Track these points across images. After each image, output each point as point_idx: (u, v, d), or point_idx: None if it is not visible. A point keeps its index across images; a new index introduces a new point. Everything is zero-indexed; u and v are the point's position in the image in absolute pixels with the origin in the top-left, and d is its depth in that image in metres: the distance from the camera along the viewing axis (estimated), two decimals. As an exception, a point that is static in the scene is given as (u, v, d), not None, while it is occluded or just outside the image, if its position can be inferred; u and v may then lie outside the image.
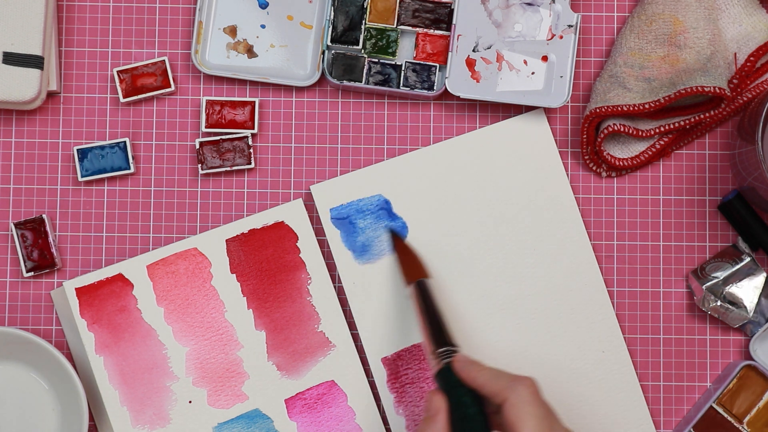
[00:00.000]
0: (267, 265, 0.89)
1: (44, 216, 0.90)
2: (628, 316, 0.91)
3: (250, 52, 0.91)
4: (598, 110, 0.89)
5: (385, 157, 0.92)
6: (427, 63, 0.91)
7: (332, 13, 0.90)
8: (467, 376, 0.75)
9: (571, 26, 0.90)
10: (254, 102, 0.91)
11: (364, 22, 0.90)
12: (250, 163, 0.90)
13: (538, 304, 0.90)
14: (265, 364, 0.88)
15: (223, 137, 0.90)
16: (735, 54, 0.91)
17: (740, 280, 0.89)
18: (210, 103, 0.90)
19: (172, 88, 0.91)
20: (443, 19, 0.91)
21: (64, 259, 0.91)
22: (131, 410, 0.87)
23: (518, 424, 0.71)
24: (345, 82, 0.90)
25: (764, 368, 0.89)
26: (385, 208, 0.90)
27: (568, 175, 0.92)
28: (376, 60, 0.91)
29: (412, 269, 0.87)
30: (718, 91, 0.86)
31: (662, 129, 0.90)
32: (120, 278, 0.88)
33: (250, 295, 0.89)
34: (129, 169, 0.90)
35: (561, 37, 0.90)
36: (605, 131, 0.89)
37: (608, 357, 0.90)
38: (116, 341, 0.88)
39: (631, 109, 0.88)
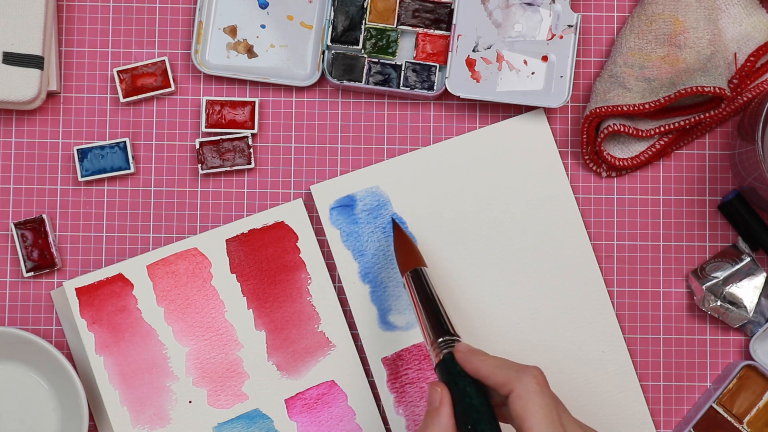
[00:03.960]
0: (267, 265, 0.89)
1: (44, 216, 0.90)
2: (628, 316, 0.91)
3: (250, 52, 0.91)
4: (598, 110, 0.89)
5: (385, 157, 0.92)
6: (427, 63, 0.91)
7: (332, 13, 0.90)
8: (470, 366, 0.72)
9: (571, 26, 0.90)
10: (254, 102, 0.91)
11: (364, 22, 0.90)
12: (250, 163, 0.90)
13: (538, 304, 0.90)
14: (265, 364, 0.88)
15: (223, 137, 0.90)
16: (735, 54, 0.91)
17: (740, 280, 0.89)
18: (210, 103, 0.90)
19: (172, 88, 0.91)
20: (443, 19, 0.91)
21: (64, 259, 0.91)
22: (131, 410, 0.87)
23: (526, 415, 0.68)
24: (345, 82, 0.90)
25: (764, 368, 0.89)
26: (381, 204, 0.90)
27: (568, 175, 0.92)
28: (376, 60, 0.91)
29: (408, 258, 0.85)
30: (718, 91, 0.86)
31: (662, 129, 0.90)
32: (120, 278, 0.88)
33: (250, 295, 0.89)
34: (129, 169, 0.90)
35: (561, 37, 0.90)
36: (605, 131, 0.89)
37: (608, 357, 0.90)
38: (116, 341, 0.88)
39: (631, 109, 0.88)
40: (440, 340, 0.76)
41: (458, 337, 0.77)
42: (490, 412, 0.71)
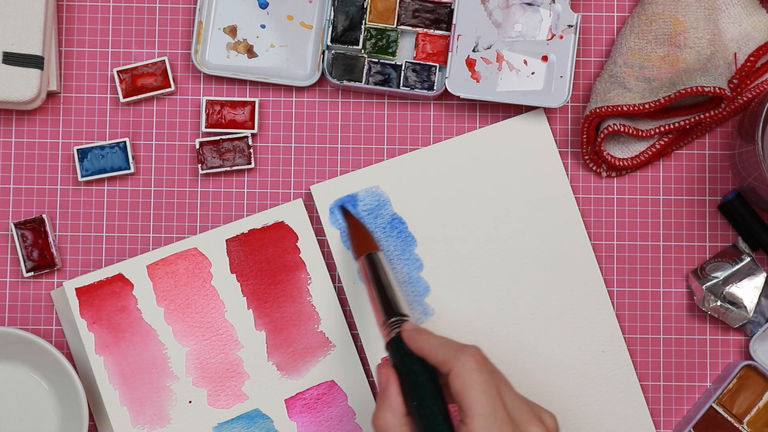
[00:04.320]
0: (267, 265, 0.89)
1: (44, 216, 0.90)
2: (628, 316, 0.91)
3: (250, 52, 0.91)
4: (598, 110, 0.89)
5: (385, 157, 0.92)
6: (427, 63, 0.91)
7: (332, 13, 0.90)
8: (414, 344, 0.74)
9: (571, 26, 0.90)
10: (254, 102, 0.91)
11: (364, 22, 0.90)
12: (250, 163, 0.90)
13: (538, 304, 0.90)
14: (265, 364, 0.88)
15: (223, 137, 0.90)
16: (735, 54, 0.91)
17: (740, 280, 0.89)
18: (210, 103, 0.90)
19: (172, 88, 0.91)
20: (443, 19, 0.91)
21: (64, 259, 0.91)
22: (131, 410, 0.87)
23: (464, 393, 0.69)
24: (345, 82, 0.90)
25: (764, 368, 0.89)
26: (381, 204, 0.90)
27: (568, 175, 0.92)
28: (376, 60, 0.91)
29: (362, 243, 0.86)
30: (718, 91, 0.86)
31: (662, 129, 0.90)
32: (120, 278, 0.88)
33: (250, 295, 0.89)
34: (129, 169, 0.90)
35: (561, 37, 0.90)
36: (605, 131, 0.89)
37: (608, 357, 0.90)
38: (116, 341, 0.88)
39: (631, 109, 0.88)
40: (391, 320, 0.77)
41: (407, 317, 0.78)
42: (435, 389, 0.72)
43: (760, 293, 0.89)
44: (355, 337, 0.90)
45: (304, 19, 0.92)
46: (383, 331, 0.78)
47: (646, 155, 0.91)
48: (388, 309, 0.79)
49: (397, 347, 0.75)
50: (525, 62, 0.90)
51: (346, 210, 0.89)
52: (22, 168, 0.91)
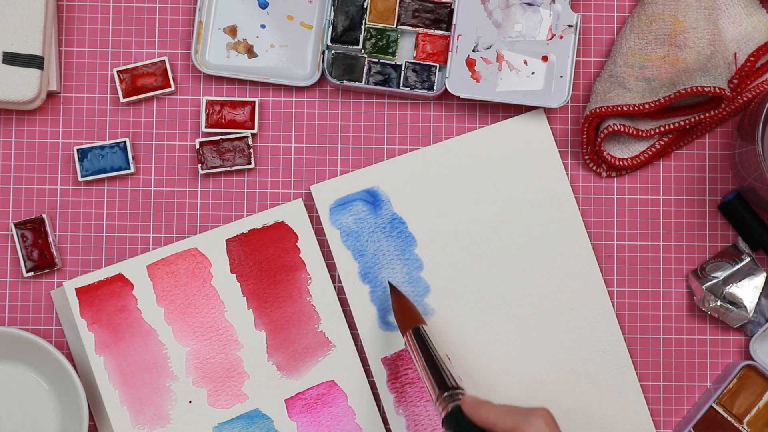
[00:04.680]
0: (267, 265, 0.89)
1: (44, 216, 0.90)
2: (628, 316, 0.91)
3: (250, 52, 0.91)
4: (598, 110, 0.89)
5: (385, 157, 0.92)
6: (427, 63, 0.91)
7: (332, 13, 0.90)
8: (478, 416, 0.73)
9: (571, 26, 0.90)
10: (254, 102, 0.91)
11: (364, 22, 0.90)
12: (250, 163, 0.90)
13: (538, 304, 0.90)
14: (265, 364, 0.88)
15: (223, 137, 0.90)
16: (735, 54, 0.91)
17: (740, 280, 0.89)
18: (210, 103, 0.90)
19: (172, 88, 0.91)
20: (443, 19, 0.91)
21: (64, 259, 0.91)
22: (131, 410, 0.87)
23: None
24: (345, 82, 0.90)
25: (764, 368, 0.89)
26: (371, 201, 0.90)
27: (568, 175, 0.92)
28: (376, 60, 0.91)
29: (407, 318, 0.85)
30: (718, 91, 0.86)
31: (662, 129, 0.90)
32: (120, 278, 0.88)
33: (250, 295, 0.89)
34: (129, 169, 0.90)
35: (561, 37, 0.90)
36: (605, 131, 0.89)
37: (608, 357, 0.90)
38: (116, 341, 0.88)
39: (631, 109, 0.88)
40: (445, 393, 0.77)
41: (462, 389, 0.78)
42: None
43: (760, 293, 0.89)
44: (355, 337, 0.90)
45: (304, 19, 0.92)
46: (439, 406, 0.77)
47: (646, 155, 0.91)
48: (443, 383, 0.79)
49: (458, 420, 0.75)
50: (525, 62, 0.90)
51: (392, 285, 0.89)
52: (22, 168, 0.91)
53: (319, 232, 0.90)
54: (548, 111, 0.92)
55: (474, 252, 0.90)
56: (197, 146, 0.90)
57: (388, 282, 0.89)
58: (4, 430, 0.88)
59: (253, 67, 0.91)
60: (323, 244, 0.90)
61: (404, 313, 0.86)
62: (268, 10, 0.92)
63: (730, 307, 0.89)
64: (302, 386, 0.88)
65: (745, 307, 0.89)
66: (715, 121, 0.91)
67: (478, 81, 0.90)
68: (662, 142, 0.91)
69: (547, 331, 0.89)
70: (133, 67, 0.91)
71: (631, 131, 0.89)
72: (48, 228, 0.90)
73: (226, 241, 0.89)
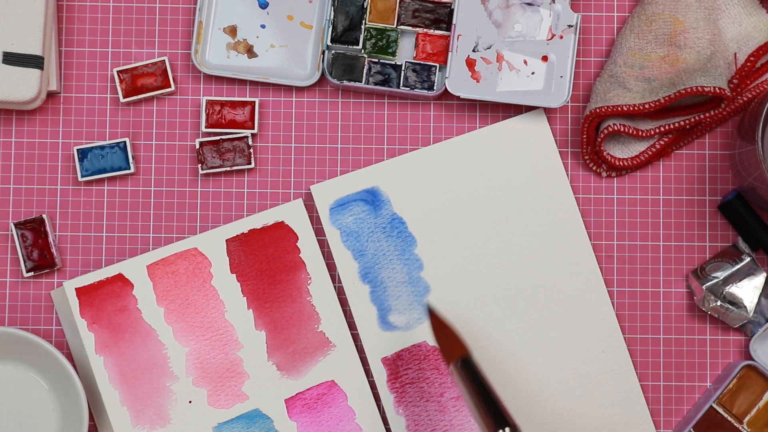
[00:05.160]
0: (267, 265, 0.89)
1: (44, 216, 0.90)
2: (628, 316, 0.91)
3: (250, 52, 0.91)
4: (598, 110, 0.89)
5: (385, 157, 0.92)
6: (427, 63, 0.91)
7: (332, 13, 0.90)
8: None
9: (571, 26, 0.90)
10: (254, 102, 0.91)
11: (364, 22, 0.90)
12: (250, 163, 0.90)
13: (538, 304, 0.90)
14: (265, 364, 0.88)
15: (223, 137, 0.90)
16: (735, 54, 0.91)
17: (740, 280, 0.89)
18: (210, 103, 0.90)
19: (172, 88, 0.91)
20: (443, 19, 0.91)
21: (64, 259, 0.91)
22: (131, 410, 0.87)
23: None
24: (345, 82, 0.90)
25: (764, 368, 0.89)
26: (370, 201, 0.90)
27: (568, 175, 0.92)
28: (376, 60, 0.91)
29: (451, 347, 0.83)
30: (718, 91, 0.86)
31: (662, 129, 0.90)
32: (120, 278, 0.88)
33: (250, 295, 0.89)
34: (129, 169, 0.90)
35: (561, 37, 0.90)
36: (605, 131, 0.89)
37: (608, 357, 0.90)
38: (116, 341, 0.88)
39: (631, 109, 0.88)
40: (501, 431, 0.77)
41: (518, 427, 0.77)
42: None
43: (760, 293, 0.89)
44: (355, 337, 0.90)
45: (304, 19, 0.92)
46: None
47: (646, 155, 0.91)
48: (498, 419, 0.77)
49: None
50: (525, 62, 0.90)
51: (431, 310, 0.86)
52: (22, 168, 0.91)
53: (319, 232, 0.91)
54: (548, 111, 0.92)
55: (474, 252, 0.90)
56: (197, 146, 0.90)
57: (427, 304, 0.87)
58: (4, 430, 0.88)
59: (253, 67, 0.91)
60: (323, 244, 0.90)
61: (448, 340, 0.83)
62: (268, 10, 0.92)
63: (730, 307, 0.89)
64: (302, 386, 0.88)
65: (745, 307, 0.89)
66: (715, 121, 0.91)
67: (478, 81, 0.90)
68: (662, 142, 0.91)
69: (547, 331, 0.90)
70: (133, 67, 0.91)
71: (631, 131, 0.89)
72: (48, 228, 0.90)
73: (226, 241, 0.89)
